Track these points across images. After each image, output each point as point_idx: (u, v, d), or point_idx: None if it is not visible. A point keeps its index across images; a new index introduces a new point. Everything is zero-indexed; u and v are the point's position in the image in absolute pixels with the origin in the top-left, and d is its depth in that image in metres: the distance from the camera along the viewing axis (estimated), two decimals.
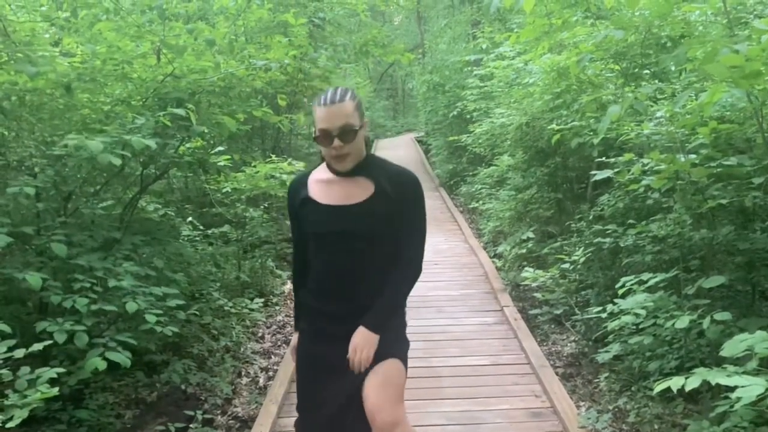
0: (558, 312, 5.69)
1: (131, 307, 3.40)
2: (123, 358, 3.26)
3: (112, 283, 3.46)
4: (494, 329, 5.62)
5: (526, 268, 6.14)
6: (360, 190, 2.26)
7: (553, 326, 5.67)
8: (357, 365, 2.22)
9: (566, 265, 5.41)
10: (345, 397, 2.25)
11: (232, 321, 5.53)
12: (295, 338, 2.51)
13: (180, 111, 3.94)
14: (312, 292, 2.38)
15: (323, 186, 2.29)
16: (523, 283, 6.47)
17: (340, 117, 2.13)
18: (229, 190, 6.05)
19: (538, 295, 6.13)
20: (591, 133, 4.99)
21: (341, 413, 2.26)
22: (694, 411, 3.59)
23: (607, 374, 4.32)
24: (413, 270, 2.32)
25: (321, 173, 2.33)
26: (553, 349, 5.23)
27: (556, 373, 4.57)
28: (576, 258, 5.23)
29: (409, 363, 2.43)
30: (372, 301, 2.28)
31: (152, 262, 4.11)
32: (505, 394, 4.30)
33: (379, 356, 2.25)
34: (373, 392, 2.19)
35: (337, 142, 2.14)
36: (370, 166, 2.27)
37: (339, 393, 2.27)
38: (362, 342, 2.22)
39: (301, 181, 2.37)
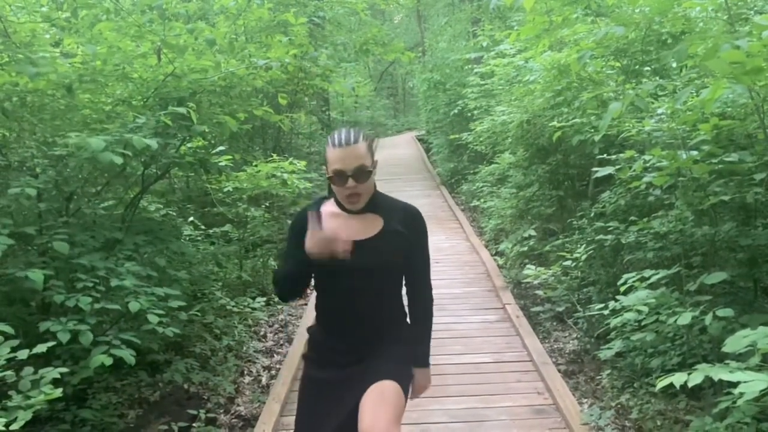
0: (560, 309, 5.69)
1: (134, 306, 3.40)
2: (127, 354, 3.26)
3: (114, 282, 3.46)
4: (496, 327, 5.62)
5: (528, 266, 6.14)
6: (369, 226, 2.31)
7: (555, 323, 5.67)
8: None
9: (568, 263, 5.41)
10: (347, 414, 2.25)
11: (234, 320, 5.54)
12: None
13: (181, 110, 3.94)
14: (321, 326, 2.41)
15: (333, 220, 2.33)
16: (524, 280, 6.47)
17: (355, 158, 2.18)
18: (231, 190, 6.07)
19: (539, 292, 6.14)
20: (592, 131, 4.99)
21: (345, 428, 2.26)
22: (696, 407, 3.59)
23: (609, 371, 4.32)
24: (430, 292, 2.46)
25: (330, 207, 2.37)
26: (556, 346, 5.24)
27: (559, 370, 4.58)
28: (578, 255, 5.23)
29: None
30: (379, 330, 2.33)
31: (154, 261, 4.11)
32: (508, 392, 4.31)
33: (378, 375, 2.25)
34: (369, 410, 2.19)
35: (351, 182, 2.19)
36: (377, 202, 2.34)
37: (342, 410, 2.27)
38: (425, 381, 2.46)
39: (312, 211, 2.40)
